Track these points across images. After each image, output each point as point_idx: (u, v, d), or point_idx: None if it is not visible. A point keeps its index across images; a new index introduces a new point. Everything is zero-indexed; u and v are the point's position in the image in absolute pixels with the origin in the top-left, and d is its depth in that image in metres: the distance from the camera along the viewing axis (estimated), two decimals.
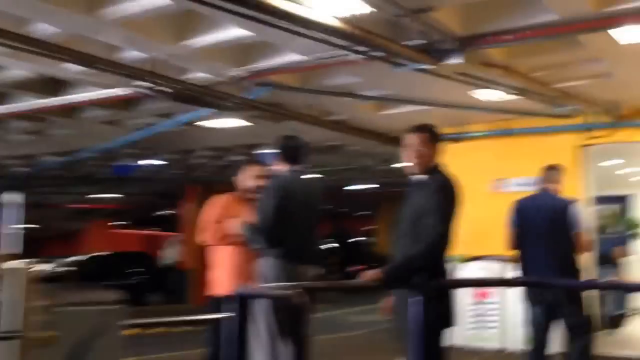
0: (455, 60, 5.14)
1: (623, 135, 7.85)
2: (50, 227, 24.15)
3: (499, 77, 5.93)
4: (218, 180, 15.59)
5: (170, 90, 6.01)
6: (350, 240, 24.87)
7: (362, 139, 9.19)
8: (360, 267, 20.14)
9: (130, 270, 16.50)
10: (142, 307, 15.56)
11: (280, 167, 4.15)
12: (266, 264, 3.94)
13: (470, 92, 6.81)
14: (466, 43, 5.06)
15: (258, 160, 4.63)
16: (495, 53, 5.56)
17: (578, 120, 7.82)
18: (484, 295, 7.49)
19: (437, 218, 3.16)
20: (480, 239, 7.88)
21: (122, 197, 18.31)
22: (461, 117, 8.03)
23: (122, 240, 23.52)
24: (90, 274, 15.86)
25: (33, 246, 22.62)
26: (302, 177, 4.12)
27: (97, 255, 17.52)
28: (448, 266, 3.30)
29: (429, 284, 3.01)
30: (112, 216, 22.55)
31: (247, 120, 8.46)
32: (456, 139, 8.58)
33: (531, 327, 4.93)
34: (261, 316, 3.83)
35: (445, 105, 7.24)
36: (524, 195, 5.36)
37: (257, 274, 4.00)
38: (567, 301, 4.76)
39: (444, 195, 3.25)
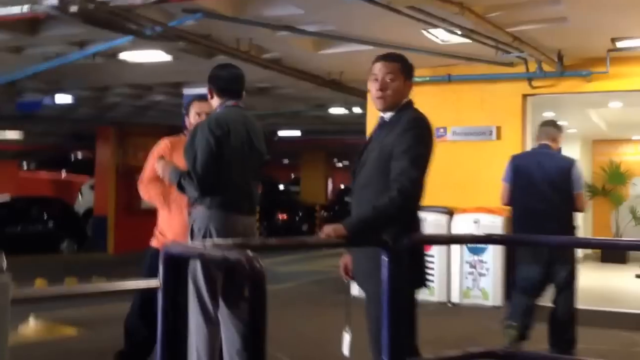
0: None
1: (566, 86, 7.63)
2: None
3: (452, 15, 5.44)
4: (136, 123, 14.73)
5: (77, 10, 5.16)
6: (275, 188, 24.36)
7: (296, 80, 8.55)
8: (284, 215, 19.87)
9: (43, 216, 15.35)
10: (57, 255, 14.65)
11: (214, 102, 3.53)
12: (198, 215, 3.36)
13: (418, 32, 6.32)
14: None
15: (205, 96, 4.03)
16: None
17: (522, 69, 7.53)
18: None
19: (411, 161, 2.66)
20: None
21: (29, 137, 16.92)
22: None
23: (31, 184, 22.05)
24: None
25: None
26: (240, 113, 3.52)
27: (7, 200, 16.20)
28: (420, 218, 2.83)
29: (403, 241, 2.53)
30: (19, 157, 20.99)
31: (170, 54, 7.66)
32: None
33: (524, 285, 4.74)
34: (191, 280, 3.28)
35: (389, 46, 6.71)
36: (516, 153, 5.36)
37: (186, 227, 3.46)
38: (562, 259, 4.66)
39: (418, 134, 2.75)
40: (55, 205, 16.19)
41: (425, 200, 2.80)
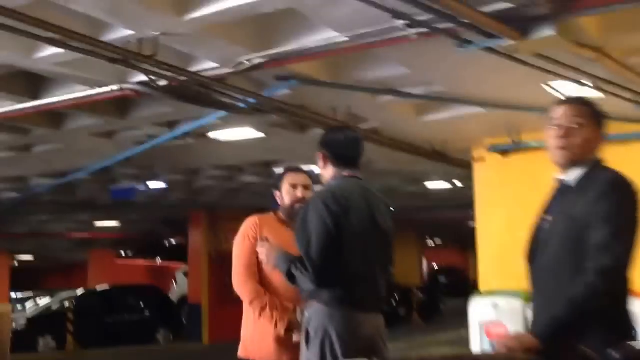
0: (545, 33, 3.87)
1: None
2: (48, 257, 22.92)
3: (586, 62, 4.66)
4: (227, 206, 14.46)
5: (167, 84, 4.77)
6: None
7: (391, 151, 7.82)
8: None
9: (140, 305, 15.14)
10: (153, 346, 14.27)
11: (326, 172, 2.89)
12: (314, 314, 2.70)
13: (538, 87, 5.54)
14: (560, 8, 3.81)
15: (298, 168, 3.42)
16: (588, 25, 4.29)
17: None
18: None
19: (614, 233, 1.90)
20: None
21: (124, 225, 17.04)
22: (518, 122, 6.76)
23: (128, 272, 22.24)
24: (96, 309, 14.52)
25: (29, 279, 21.39)
26: (359, 184, 2.85)
27: (105, 289, 16.16)
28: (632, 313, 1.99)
29: (622, 347, 1.71)
30: (115, 246, 21.28)
31: (261, 130, 7.22)
32: (506, 150, 7.33)
33: None
34: None
35: (506, 106, 5.98)
36: None
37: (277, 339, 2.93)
38: None
39: (622, 200, 1.97)
40: (151, 293, 16.03)
41: None
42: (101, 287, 16.48)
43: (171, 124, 6.94)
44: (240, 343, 3.26)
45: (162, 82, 4.88)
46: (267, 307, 3.13)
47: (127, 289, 15.99)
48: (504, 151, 7.29)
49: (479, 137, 7.49)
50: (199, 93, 5.16)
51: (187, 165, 9.90)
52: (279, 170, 9.08)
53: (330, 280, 2.64)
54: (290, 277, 2.71)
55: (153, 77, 4.73)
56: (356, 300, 2.67)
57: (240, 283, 3.24)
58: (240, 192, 12.57)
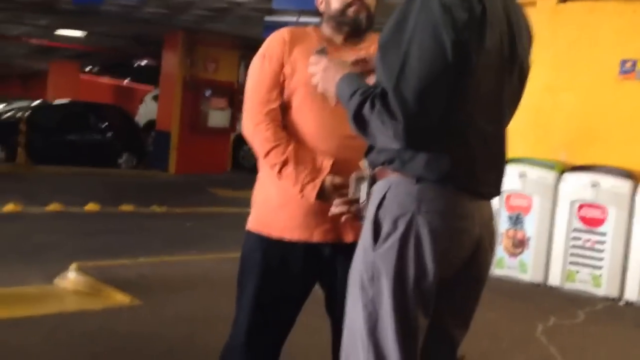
0: None
1: None
2: (2, 64, 21.22)
3: None
4: (208, 30, 12.94)
5: None
6: None
7: None
8: None
9: (102, 125, 14.02)
10: (113, 169, 13.37)
11: None
12: (392, 192, 1.60)
13: None
14: None
15: None
16: None
17: None
18: (594, 221, 5.31)
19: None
20: (590, 141, 5.63)
21: (91, 38, 15.39)
22: None
23: (92, 89, 20.80)
24: (52, 124, 13.38)
25: None
26: None
27: (62, 103, 14.90)
28: None
29: None
30: (78, 59, 19.58)
31: None
32: None
33: None
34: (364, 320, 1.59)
35: None
36: None
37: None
38: None
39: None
40: (116, 114, 14.83)
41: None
42: (60, 101, 15.17)
43: None
44: (251, 213, 2.19)
45: None
46: (291, 161, 2.01)
47: (89, 107, 14.68)
48: None
49: None
50: None
51: None
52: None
53: (431, 138, 1.54)
54: (359, 120, 1.56)
55: None
56: (472, 177, 1.61)
57: (253, 125, 2.07)
58: (227, 13, 11.04)
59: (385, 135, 1.52)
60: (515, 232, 5.61)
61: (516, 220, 5.60)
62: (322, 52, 1.79)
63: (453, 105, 1.51)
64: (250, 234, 2.15)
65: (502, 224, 5.63)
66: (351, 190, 1.81)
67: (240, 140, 13.69)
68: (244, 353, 2.11)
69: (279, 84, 2.07)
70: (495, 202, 5.82)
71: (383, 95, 1.50)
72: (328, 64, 1.72)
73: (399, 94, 1.47)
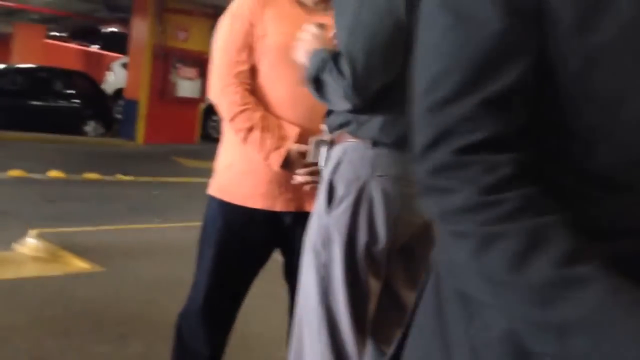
0: None
1: None
2: None
3: None
4: None
5: None
6: None
7: None
8: None
9: (67, 91, 13.74)
10: (79, 137, 13.16)
11: None
12: (345, 157, 1.60)
13: None
14: None
15: None
16: None
17: None
18: None
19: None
20: None
21: (56, 0, 15.00)
22: None
23: (58, 54, 20.32)
24: (15, 89, 13.08)
25: None
26: None
27: (27, 68, 14.55)
28: None
29: None
30: (45, 23, 19.09)
31: None
32: None
33: None
34: (315, 276, 1.60)
35: None
36: None
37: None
38: None
39: None
40: (82, 80, 14.55)
41: None
42: (25, 65, 14.82)
43: None
44: (214, 178, 2.17)
45: None
46: (258, 127, 1.97)
47: (55, 72, 14.35)
48: None
49: None
50: None
51: None
52: None
53: (385, 100, 1.52)
54: (314, 81, 1.54)
55: None
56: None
57: (221, 87, 2.02)
58: None
59: (338, 96, 1.51)
60: None
61: None
62: (321, 27, 1.75)
63: (409, 64, 1.51)
64: (212, 199, 2.13)
65: None
66: (310, 154, 1.81)
67: (210, 111, 13.58)
68: (200, 317, 2.12)
69: (248, 45, 2.03)
70: None
71: (336, 55, 1.50)
72: (314, 38, 1.67)
73: (349, 52, 1.46)
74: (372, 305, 1.61)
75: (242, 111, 1.99)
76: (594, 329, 0.57)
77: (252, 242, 2.08)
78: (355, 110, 1.54)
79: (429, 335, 0.78)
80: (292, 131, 1.99)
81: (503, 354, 0.68)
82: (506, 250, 0.61)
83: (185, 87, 13.69)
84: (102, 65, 19.90)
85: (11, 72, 14.03)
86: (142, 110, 13.42)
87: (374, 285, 1.59)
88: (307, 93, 1.90)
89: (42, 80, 13.71)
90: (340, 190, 1.58)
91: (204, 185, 2.19)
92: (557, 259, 0.60)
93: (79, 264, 4.19)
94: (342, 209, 1.57)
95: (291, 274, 2.12)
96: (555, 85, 0.67)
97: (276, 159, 1.96)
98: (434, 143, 0.67)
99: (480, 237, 0.63)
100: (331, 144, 1.67)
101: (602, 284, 0.58)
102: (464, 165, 0.65)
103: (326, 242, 1.58)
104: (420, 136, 0.70)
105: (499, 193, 0.63)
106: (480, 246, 0.63)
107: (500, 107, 0.66)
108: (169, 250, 4.66)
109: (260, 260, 2.15)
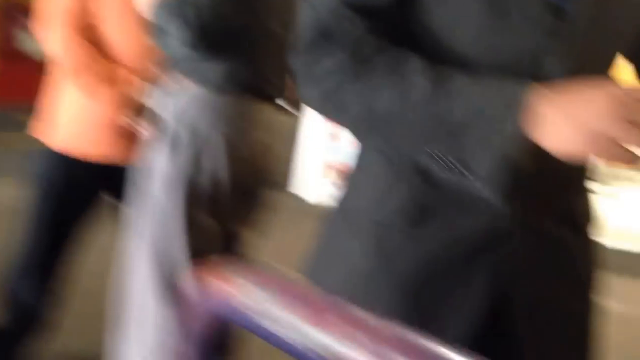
0: None
1: None
2: None
3: None
4: None
5: None
6: None
7: None
8: None
9: None
10: None
11: None
12: (187, 102, 1.61)
13: None
14: None
15: None
16: None
17: None
18: None
19: None
20: None
21: None
22: None
23: None
24: None
25: None
26: None
27: None
28: None
29: None
30: None
31: None
32: None
33: None
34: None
35: None
36: None
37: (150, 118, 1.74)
38: None
39: None
40: None
41: None
42: None
43: None
44: (55, 130, 2.08)
45: None
46: (102, 80, 1.94)
47: None
48: None
49: None
50: None
51: None
52: None
53: (225, 46, 1.55)
54: (156, 29, 1.54)
55: None
56: (272, 87, 1.65)
57: (62, 39, 1.95)
58: None
59: (181, 43, 1.51)
60: None
61: None
62: None
63: (248, 10, 1.55)
64: (48, 152, 2.07)
65: None
66: (151, 102, 1.80)
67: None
68: (31, 273, 2.07)
69: None
70: None
71: (181, 1, 1.49)
72: None
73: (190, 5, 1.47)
74: (214, 247, 1.65)
75: (86, 64, 1.94)
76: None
77: (88, 194, 2.08)
78: (199, 58, 1.55)
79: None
80: (134, 79, 1.97)
81: None
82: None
83: (32, 43, 12.76)
84: None
85: None
86: None
87: (214, 226, 1.63)
88: (148, 38, 1.89)
89: None
90: (183, 138, 1.59)
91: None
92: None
93: None
94: (184, 156, 1.58)
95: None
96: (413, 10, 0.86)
97: (116, 110, 1.95)
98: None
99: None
100: (172, 91, 1.67)
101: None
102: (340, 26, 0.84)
103: (168, 189, 1.59)
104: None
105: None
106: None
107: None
108: None
109: (93, 211, 2.14)
